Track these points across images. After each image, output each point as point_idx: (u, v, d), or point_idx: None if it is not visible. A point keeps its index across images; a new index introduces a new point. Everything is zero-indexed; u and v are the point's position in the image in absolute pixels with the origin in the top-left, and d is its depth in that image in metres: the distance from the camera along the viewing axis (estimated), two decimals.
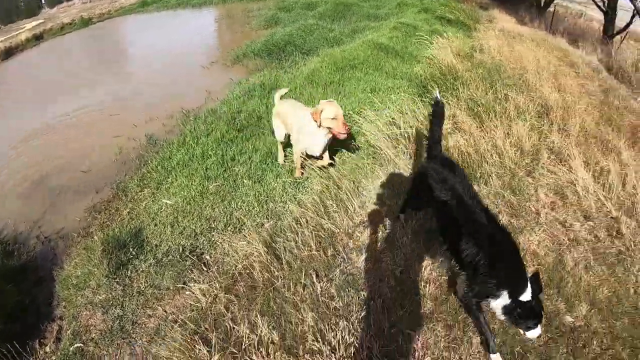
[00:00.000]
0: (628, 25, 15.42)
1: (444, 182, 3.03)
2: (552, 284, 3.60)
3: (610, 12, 15.82)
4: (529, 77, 7.39)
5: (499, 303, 2.78)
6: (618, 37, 15.84)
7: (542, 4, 23.97)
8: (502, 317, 2.83)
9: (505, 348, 3.10)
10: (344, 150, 5.35)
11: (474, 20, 15.56)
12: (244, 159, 5.50)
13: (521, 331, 2.86)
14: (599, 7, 16.66)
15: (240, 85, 8.29)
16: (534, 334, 2.81)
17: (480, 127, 5.52)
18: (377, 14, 16.14)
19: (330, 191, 4.45)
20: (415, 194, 3.67)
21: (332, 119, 4.34)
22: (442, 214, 3.23)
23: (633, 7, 13.45)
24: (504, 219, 4.13)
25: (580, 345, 3.17)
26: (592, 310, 3.41)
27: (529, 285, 2.72)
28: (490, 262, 2.73)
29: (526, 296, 2.70)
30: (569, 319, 3.35)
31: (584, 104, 7.05)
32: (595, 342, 3.20)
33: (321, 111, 4.35)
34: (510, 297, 2.72)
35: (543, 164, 5.02)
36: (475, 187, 4.16)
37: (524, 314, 2.72)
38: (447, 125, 5.50)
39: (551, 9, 22.79)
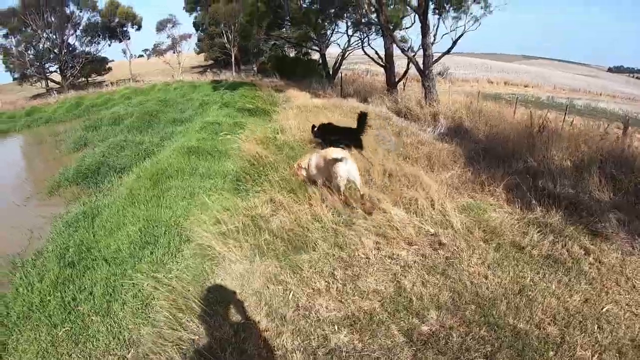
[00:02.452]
0: (405, 72, 18.24)
1: None
2: (399, 307, 3.99)
3: (388, 65, 18.55)
4: None
5: None
6: (401, 83, 18.53)
7: (330, 73, 26.91)
8: None
9: None
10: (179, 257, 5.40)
11: (272, 104, 16.98)
12: (85, 296, 5.22)
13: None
14: (379, 64, 19.42)
15: (62, 219, 7.87)
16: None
17: (298, 202, 6.06)
18: (182, 118, 16.68)
19: (177, 303, 4.38)
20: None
21: None
22: None
23: (407, 57, 15.88)
24: (339, 273, 4.53)
25: (443, 342, 3.56)
26: (441, 312, 3.89)
27: None
28: None
29: None
30: (424, 328, 3.72)
31: (380, 151, 8.17)
32: (454, 335, 3.63)
33: None
34: None
35: (359, 215, 5.70)
36: (305, 255, 4.79)
37: None
38: (266, 209, 6.02)
39: (340, 74, 25.61)
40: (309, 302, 4.12)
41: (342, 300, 4.13)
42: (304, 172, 6.56)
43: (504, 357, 3.44)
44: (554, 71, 70.52)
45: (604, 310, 4.14)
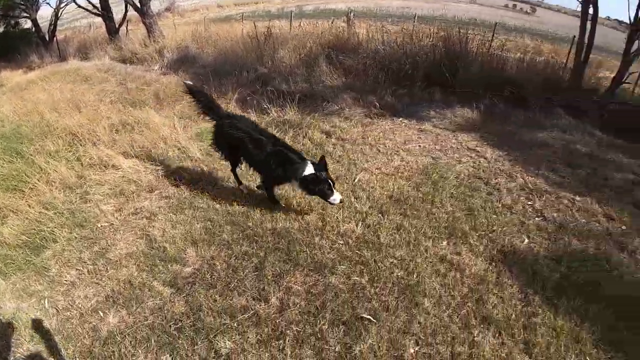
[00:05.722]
0: (124, 16, 17.43)
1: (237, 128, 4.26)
2: (155, 260, 3.78)
3: (105, 12, 17.04)
4: (49, 118, 7.33)
5: (294, 184, 3.99)
6: (123, 29, 17.31)
7: (46, 38, 23.65)
8: (304, 192, 4.00)
9: None
10: None
11: None
12: None
13: (329, 201, 3.92)
14: (95, 14, 17.64)
15: None
16: (335, 199, 3.88)
17: (22, 196, 5.12)
18: None
19: None
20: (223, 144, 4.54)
21: None
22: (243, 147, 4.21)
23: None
24: (87, 255, 4.07)
25: (209, 276, 3.51)
26: (198, 247, 3.84)
27: (308, 165, 3.85)
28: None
29: (308, 171, 3.83)
30: (187, 269, 3.63)
31: (104, 106, 7.56)
32: (217, 264, 3.61)
33: None
34: (297, 180, 3.90)
35: (88, 185, 5.18)
36: (48, 251, 4.17)
37: (313, 183, 3.82)
38: None
39: (55, 37, 22.79)
40: (68, 300, 3.64)
41: (98, 281, 3.76)
42: None
43: (274, 261, 3.56)
44: None
45: (356, 180, 4.56)
